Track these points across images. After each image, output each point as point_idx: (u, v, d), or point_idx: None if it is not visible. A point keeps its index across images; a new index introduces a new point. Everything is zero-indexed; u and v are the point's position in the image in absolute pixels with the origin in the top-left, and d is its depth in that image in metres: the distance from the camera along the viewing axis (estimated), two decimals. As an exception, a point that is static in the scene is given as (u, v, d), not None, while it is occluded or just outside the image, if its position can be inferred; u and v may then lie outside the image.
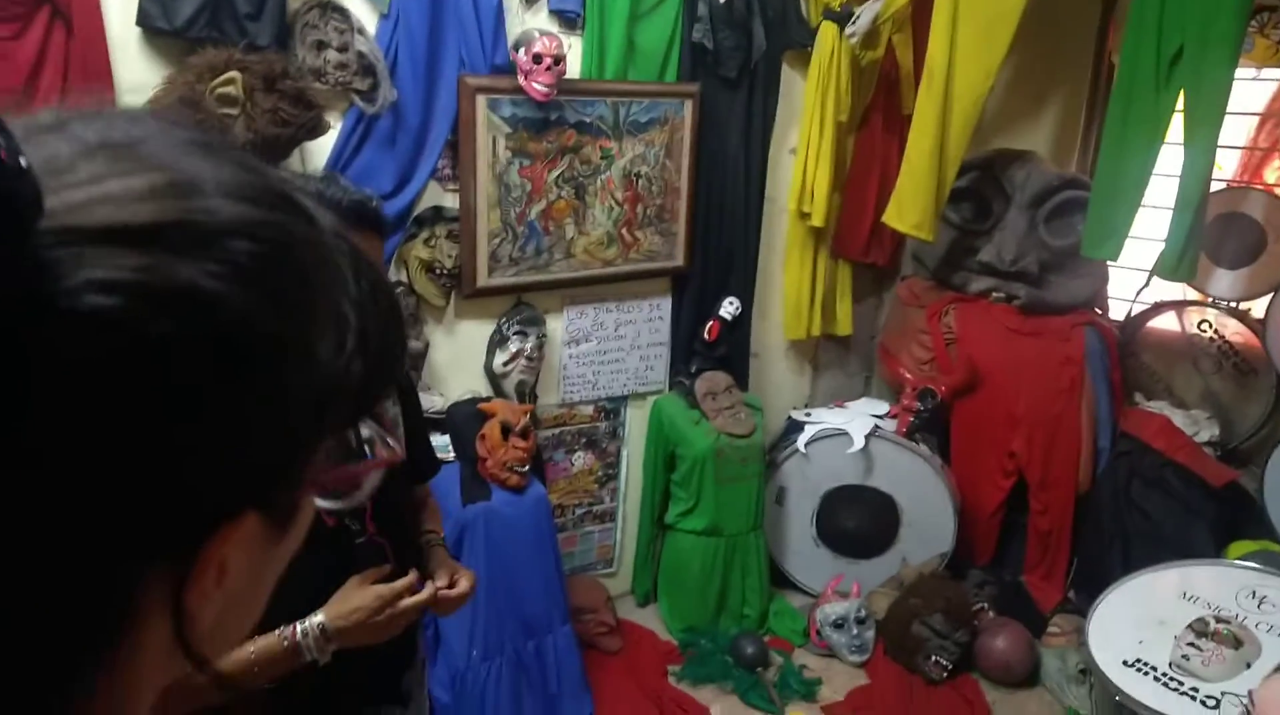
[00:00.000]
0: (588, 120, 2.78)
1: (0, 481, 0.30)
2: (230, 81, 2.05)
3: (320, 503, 0.42)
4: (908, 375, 3.47)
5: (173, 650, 0.38)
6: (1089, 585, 3.11)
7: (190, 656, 0.39)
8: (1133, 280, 3.46)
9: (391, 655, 1.43)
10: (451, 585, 1.40)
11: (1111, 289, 3.50)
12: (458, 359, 2.81)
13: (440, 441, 2.61)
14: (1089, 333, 3.28)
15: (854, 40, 3.06)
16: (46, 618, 0.33)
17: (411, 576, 1.30)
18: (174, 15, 2.07)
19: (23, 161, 0.30)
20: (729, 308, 3.21)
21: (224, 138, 0.40)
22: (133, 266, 0.32)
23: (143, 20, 2.06)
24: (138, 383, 0.32)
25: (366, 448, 1.20)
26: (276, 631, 1.20)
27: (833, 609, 3.20)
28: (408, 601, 1.27)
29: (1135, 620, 2.53)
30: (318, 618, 1.21)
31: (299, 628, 1.20)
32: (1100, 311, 3.44)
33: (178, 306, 0.32)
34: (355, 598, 1.24)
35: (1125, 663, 2.39)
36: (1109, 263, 3.28)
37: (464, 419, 2.64)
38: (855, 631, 3.17)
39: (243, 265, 0.35)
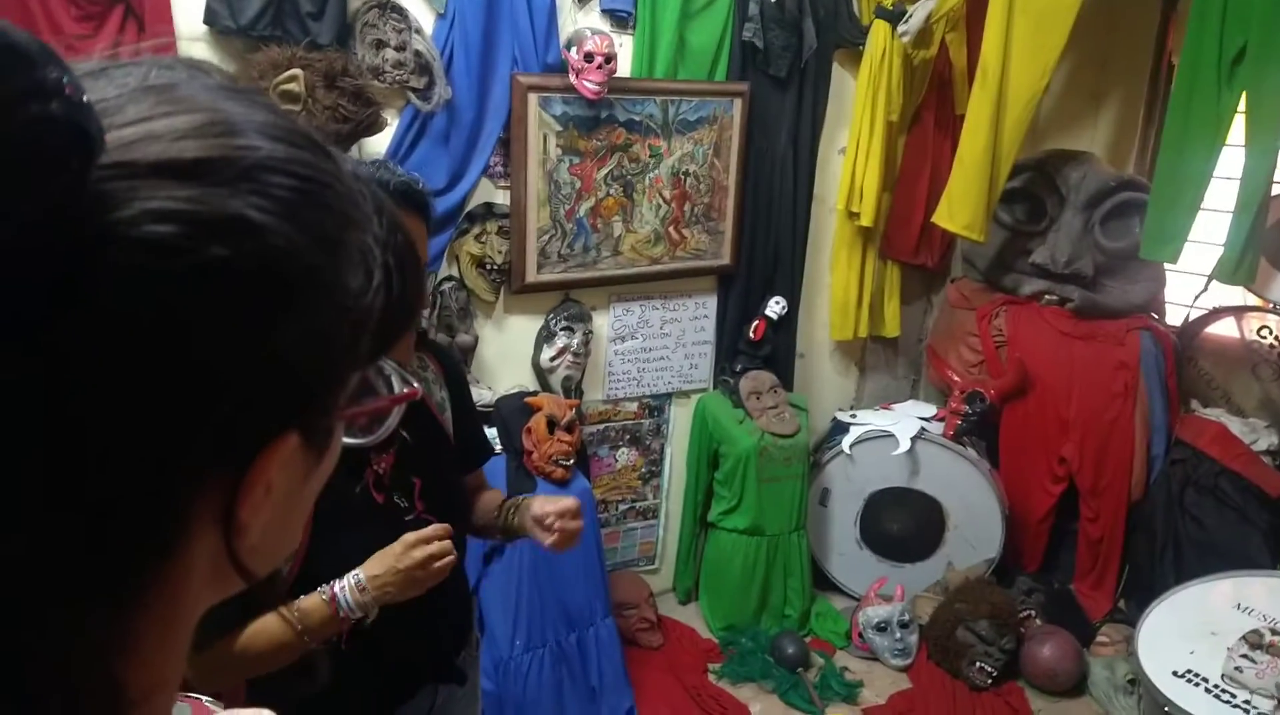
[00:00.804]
0: (637, 119, 2.80)
1: (69, 392, 0.32)
2: (292, 79, 2.11)
3: (346, 439, 0.46)
4: (956, 378, 3.44)
5: (220, 567, 0.41)
6: (1140, 595, 3.05)
7: (238, 567, 0.41)
8: (1191, 285, 3.38)
9: (447, 635, 1.47)
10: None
11: (1169, 293, 3.42)
12: (506, 353, 2.86)
13: (487, 434, 2.65)
14: (1144, 337, 3.21)
15: (906, 39, 3.04)
16: (108, 524, 0.35)
17: (443, 527, 1.29)
18: (239, 14, 2.14)
19: (86, 98, 0.32)
20: (775, 307, 3.21)
21: (250, 85, 0.44)
22: (184, 197, 0.34)
23: (210, 19, 2.14)
24: (195, 303, 0.34)
25: (388, 385, 1.23)
26: (317, 590, 1.22)
27: (875, 612, 3.18)
28: (434, 547, 1.26)
29: (1186, 631, 2.49)
30: (356, 573, 1.24)
31: (337, 583, 1.23)
32: (1156, 316, 3.37)
33: (228, 234, 0.35)
34: (392, 549, 1.25)
35: (1175, 673, 2.35)
36: (1166, 266, 3.22)
37: (511, 412, 2.69)
38: (898, 635, 3.14)
39: (283, 198, 0.37)
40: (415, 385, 1.24)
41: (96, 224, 0.33)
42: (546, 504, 1.44)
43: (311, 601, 1.22)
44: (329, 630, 1.23)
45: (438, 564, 1.26)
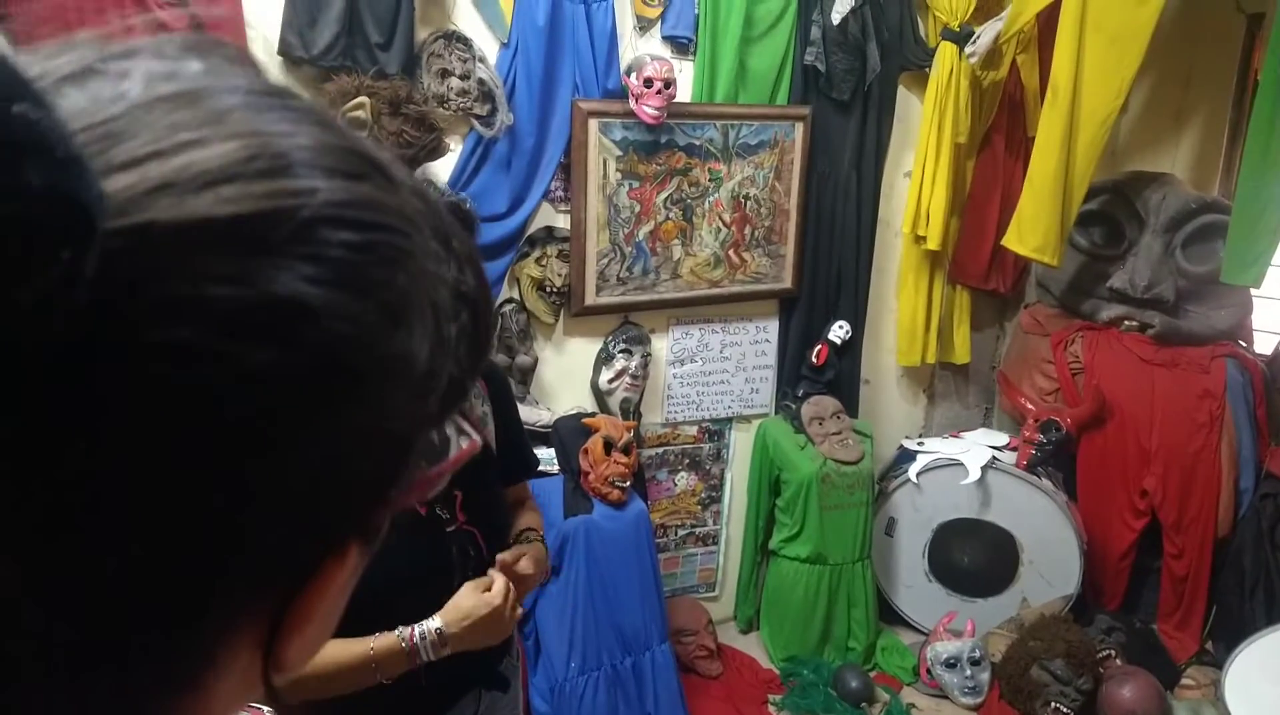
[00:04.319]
0: (697, 143, 2.82)
1: (78, 537, 0.25)
2: (360, 106, 2.19)
3: None
4: (1030, 406, 3.33)
5: (249, 685, 0.33)
6: (1228, 636, 2.88)
7: (269, 692, 0.34)
8: (1282, 311, 3.22)
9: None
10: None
11: (1258, 320, 3.26)
12: (565, 375, 2.88)
13: (545, 454, 2.67)
14: (1230, 365, 3.07)
15: (974, 60, 3.00)
16: (123, 675, 0.28)
17: (499, 578, 1.33)
18: (311, 45, 2.23)
19: (76, 145, 0.23)
20: (838, 331, 3.16)
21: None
22: (220, 278, 0.25)
23: (283, 49, 2.24)
24: (235, 422, 0.26)
25: (446, 438, 1.23)
26: (395, 633, 1.25)
27: (945, 647, 3.07)
28: (511, 595, 1.31)
29: (1278, 674, 2.34)
30: (435, 623, 1.27)
31: (417, 631, 1.26)
32: (1244, 343, 3.21)
33: (278, 327, 0.26)
34: (467, 603, 1.29)
35: (1266, 720, 2.21)
36: (1255, 292, 3.08)
37: (569, 433, 2.70)
38: (969, 672, 3.03)
39: (344, 261, 0.28)
40: (475, 436, 1.23)
41: (98, 326, 0.24)
42: (510, 553, 1.42)
43: (388, 644, 1.24)
44: (400, 669, 1.26)
45: (509, 608, 1.31)
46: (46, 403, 0.23)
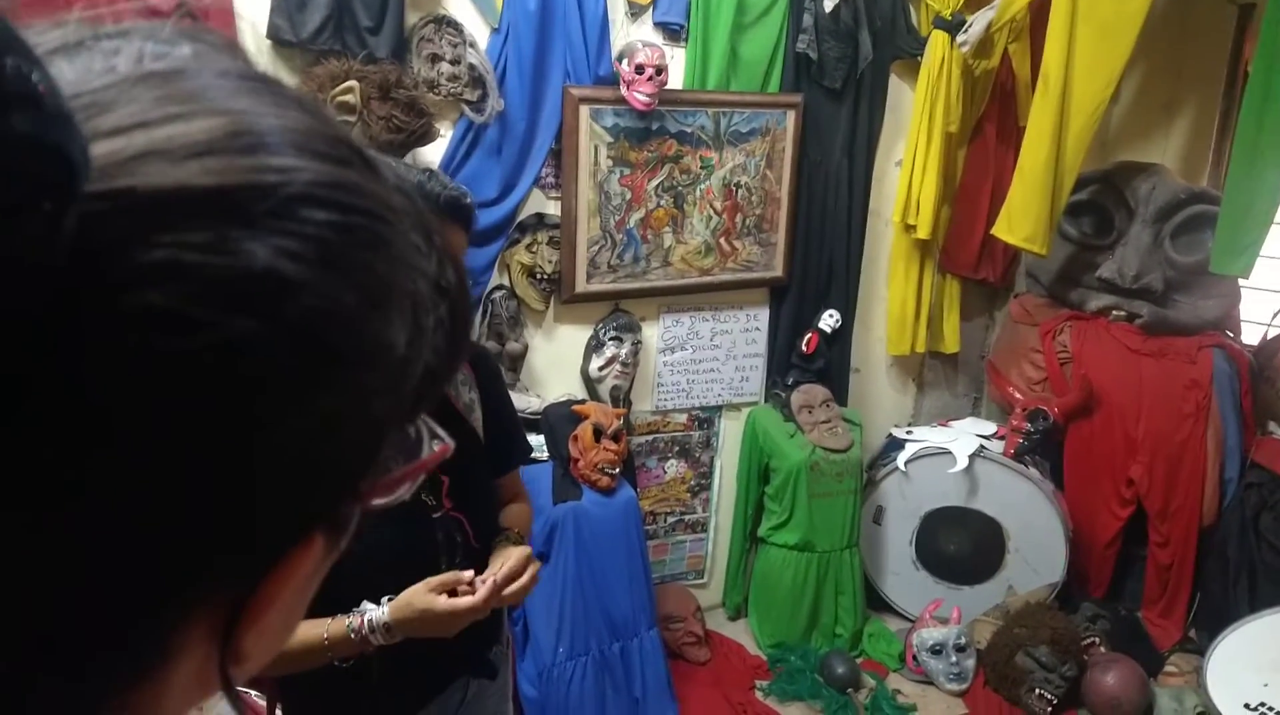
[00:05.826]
0: (688, 130, 2.81)
1: (40, 512, 0.25)
2: (349, 90, 2.18)
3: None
4: (1017, 395, 3.35)
5: (206, 678, 0.33)
6: (1212, 623, 2.91)
7: (226, 689, 0.33)
8: (1270, 302, 3.24)
9: (479, 631, 1.48)
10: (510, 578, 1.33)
11: (1246, 311, 3.28)
12: (556, 362, 2.88)
13: (535, 441, 2.67)
14: (1217, 355, 3.08)
15: (965, 49, 3.00)
16: (80, 661, 0.27)
17: (472, 600, 1.27)
18: (300, 29, 2.22)
19: (63, 103, 0.23)
20: (828, 320, 3.17)
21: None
22: (200, 245, 0.25)
23: (272, 33, 2.22)
24: (210, 394, 0.26)
25: (416, 439, 1.21)
26: (345, 624, 1.22)
27: (931, 634, 3.09)
28: (465, 604, 1.25)
29: (1260, 662, 2.37)
30: (383, 617, 1.23)
31: (365, 623, 1.22)
32: (1231, 333, 3.23)
33: (256, 298, 0.26)
34: (420, 602, 1.23)
35: (1248, 706, 2.24)
36: (1244, 283, 3.10)
37: (558, 420, 2.71)
38: (954, 659, 3.05)
39: (324, 240, 0.28)
40: (448, 439, 1.23)
41: (75, 287, 0.24)
42: (493, 563, 1.36)
43: (338, 630, 1.22)
44: (352, 652, 1.24)
45: (460, 607, 1.25)
46: (20, 366, 0.23)
